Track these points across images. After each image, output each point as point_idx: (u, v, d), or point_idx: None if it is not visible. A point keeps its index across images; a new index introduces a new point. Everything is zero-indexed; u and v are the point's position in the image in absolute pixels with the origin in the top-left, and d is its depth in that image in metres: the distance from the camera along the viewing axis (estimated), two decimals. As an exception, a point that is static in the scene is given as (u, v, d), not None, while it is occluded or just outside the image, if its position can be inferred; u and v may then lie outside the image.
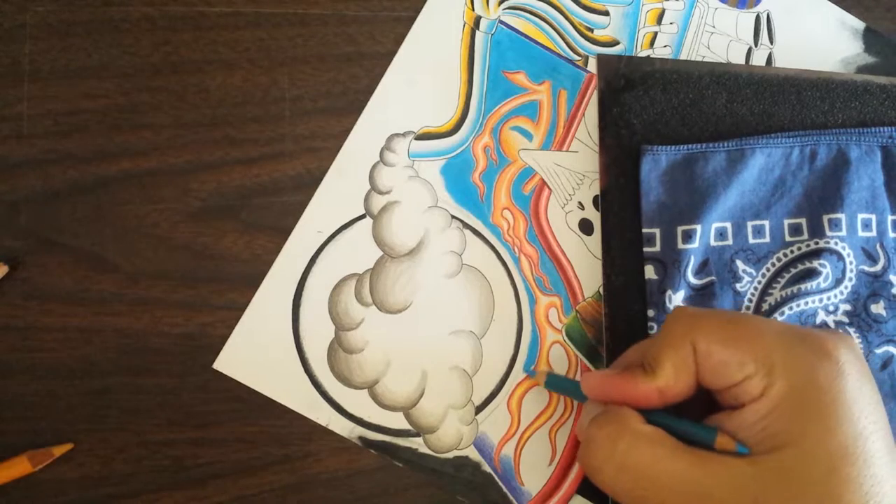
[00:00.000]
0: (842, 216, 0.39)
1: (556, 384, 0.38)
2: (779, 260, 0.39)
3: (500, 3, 0.42)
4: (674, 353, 0.31)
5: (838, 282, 0.39)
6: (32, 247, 0.39)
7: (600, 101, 0.41)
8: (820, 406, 0.28)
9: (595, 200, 0.41)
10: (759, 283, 0.39)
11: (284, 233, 0.40)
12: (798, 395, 0.29)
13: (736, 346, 0.30)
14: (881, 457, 0.28)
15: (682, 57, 0.43)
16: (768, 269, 0.39)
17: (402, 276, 0.40)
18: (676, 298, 0.38)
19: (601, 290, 0.40)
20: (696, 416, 0.32)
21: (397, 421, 0.39)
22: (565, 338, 0.40)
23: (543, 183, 0.41)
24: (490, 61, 0.42)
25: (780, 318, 0.38)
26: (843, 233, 0.39)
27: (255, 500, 0.38)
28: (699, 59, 0.43)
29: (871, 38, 0.44)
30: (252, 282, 0.39)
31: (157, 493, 0.38)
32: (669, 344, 0.31)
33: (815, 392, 0.28)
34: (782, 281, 0.39)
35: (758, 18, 0.43)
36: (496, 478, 0.39)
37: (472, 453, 0.39)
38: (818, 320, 0.38)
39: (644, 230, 0.39)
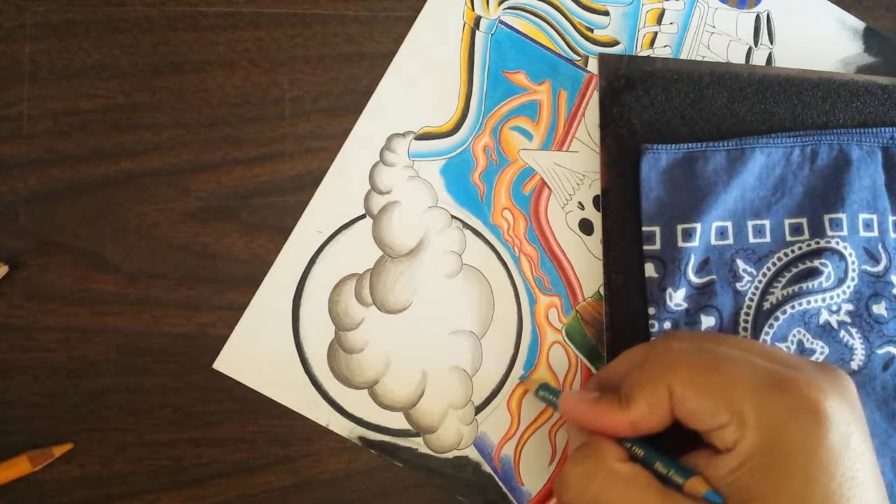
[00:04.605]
0: (843, 216, 0.39)
1: (546, 398, 0.37)
2: (779, 259, 0.39)
3: (500, 3, 0.42)
4: (649, 392, 0.31)
5: (841, 281, 0.38)
6: (32, 247, 0.39)
7: (601, 101, 0.41)
8: (791, 464, 0.28)
9: (595, 200, 0.41)
10: (760, 282, 0.39)
11: (284, 233, 0.40)
12: (768, 451, 0.28)
13: (710, 395, 0.29)
14: None
15: (682, 57, 0.43)
16: (769, 269, 0.39)
17: (402, 276, 0.40)
18: (677, 297, 0.38)
19: (601, 290, 0.40)
20: (680, 442, 0.32)
21: (397, 421, 0.39)
22: (565, 338, 0.40)
23: (543, 183, 0.41)
24: (490, 61, 0.42)
25: (782, 318, 0.38)
26: (845, 232, 0.39)
27: (255, 500, 0.38)
28: (699, 59, 0.43)
29: (871, 38, 0.44)
30: (252, 282, 0.39)
31: (157, 493, 0.38)
32: (646, 381, 0.31)
33: (786, 449, 0.28)
34: (783, 280, 0.39)
35: (758, 18, 0.43)
36: (496, 478, 0.39)
37: (472, 453, 0.39)
38: (821, 320, 0.38)
39: (644, 228, 0.39)
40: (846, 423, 0.29)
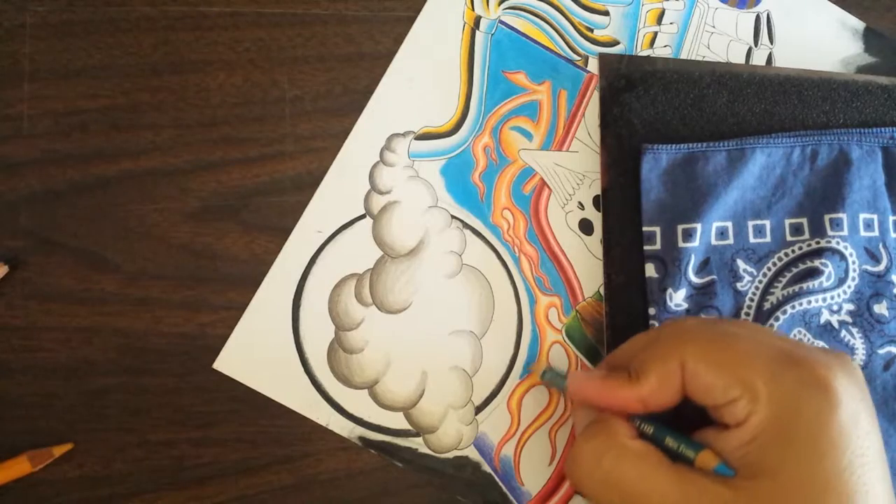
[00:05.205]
0: (843, 216, 0.39)
1: (553, 380, 0.38)
2: (780, 259, 0.39)
3: (500, 3, 0.42)
4: (661, 366, 0.31)
5: (841, 281, 0.38)
6: (32, 247, 0.39)
7: (601, 101, 0.41)
8: (802, 438, 0.28)
9: (595, 200, 0.41)
10: (761, 282, 0.39)
11: (284, 233, 0.40)
12: (779, 425, 0.28)
13: (722, 369, 0.29)
14: (868, 491, 0.27)
15: (682, 57, 0.43)
16: (769, 269, 0.39)
17: (402, 276, 0.40)
18: (677, 297, 0.38)
19: (601, 290, 0.40)
20: (690, 421, 0.32)
21: (397, 421, 0.39)
22: (565, 338, 0.40)
23: (543, 183, 0.41)
24: (490, 61, 0.42)
25: (782, 318, 0.38)
26: (845, 232, 0.39)
27: (255, 500, 0.38)
28: (699, 59, 0.43)
29: (871, 38, 0.44)
30: (252, 282, 0.39)
31: (156, 493, 0.38)
32: (657, 356, 0.31)
33: (798, 424, 0.28)
34: (784, 280, 0.39)
35: (758, 18, 0.43)
36: (496, 478, 0.39)
37: (472, 453, 0.39)
38: (822, 320, 0.38)
39: (644, 228, 0.39)
40: (855, 402, 0.29)
